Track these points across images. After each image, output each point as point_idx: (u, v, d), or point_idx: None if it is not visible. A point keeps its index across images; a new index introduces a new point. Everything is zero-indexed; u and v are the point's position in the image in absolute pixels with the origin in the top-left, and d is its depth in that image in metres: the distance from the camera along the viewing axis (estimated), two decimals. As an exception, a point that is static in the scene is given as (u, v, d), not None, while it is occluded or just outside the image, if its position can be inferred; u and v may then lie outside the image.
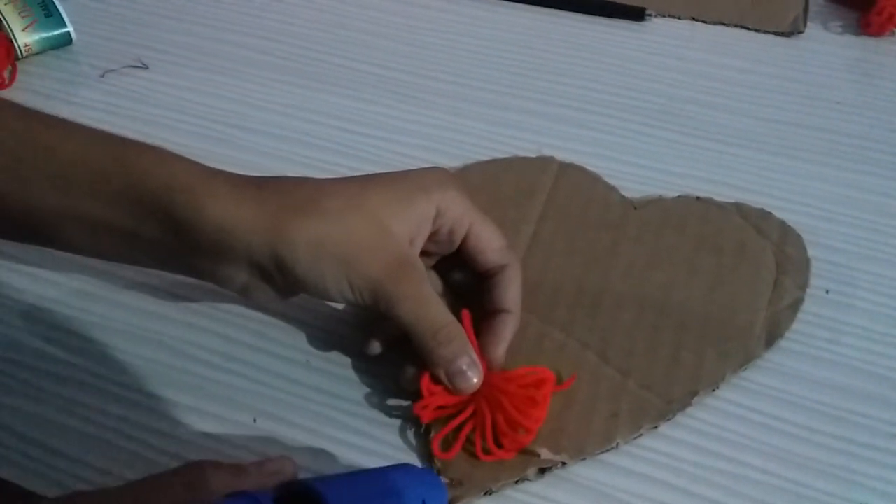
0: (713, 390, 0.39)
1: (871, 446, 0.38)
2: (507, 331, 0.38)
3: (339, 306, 0.42)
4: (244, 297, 0.37)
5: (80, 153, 0.36)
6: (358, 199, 0.36)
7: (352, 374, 0.40)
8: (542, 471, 0.36)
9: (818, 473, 0.36)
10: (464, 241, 0.38)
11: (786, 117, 0.54)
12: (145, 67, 0.58)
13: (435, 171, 0.39)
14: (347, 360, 0.41)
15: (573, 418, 0.38)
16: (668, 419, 0.38)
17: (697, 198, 0.48)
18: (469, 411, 0.36)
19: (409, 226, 0.36)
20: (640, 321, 0.42)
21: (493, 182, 0.49)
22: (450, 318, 0.36)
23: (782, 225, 0.46)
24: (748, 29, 0.61)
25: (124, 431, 0.38)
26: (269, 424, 0.38)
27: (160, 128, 0.53)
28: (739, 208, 0.47)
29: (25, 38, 0.57)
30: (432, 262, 0.40)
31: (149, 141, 0.51)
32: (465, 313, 0.37)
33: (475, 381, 0.36)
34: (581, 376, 0.39)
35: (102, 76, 0.57)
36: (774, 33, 0.61)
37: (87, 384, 0.40)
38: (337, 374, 0.40)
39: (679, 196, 0.48)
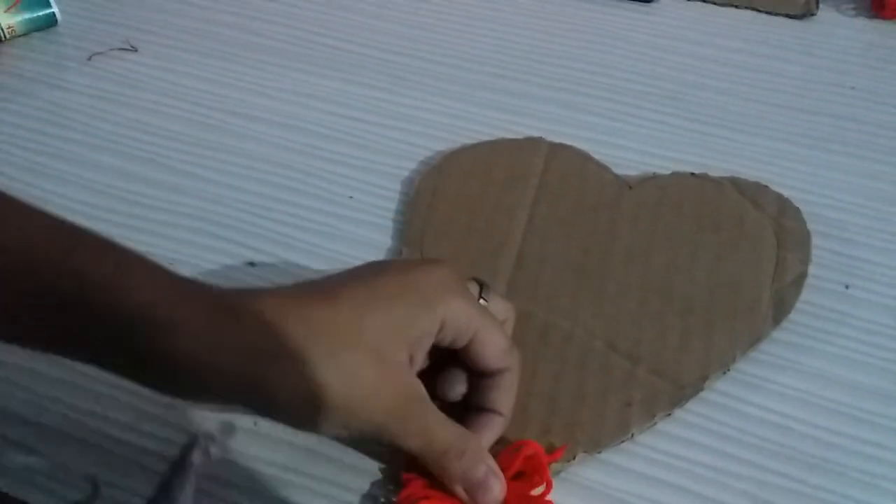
0: (724, 373, 0.38)
1: (873, 443, 0.36)
2: (494, 433, 0.34)
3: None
4: None
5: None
6: (353, 334, 0.30)
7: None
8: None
9: (818, 470, 0.35)
10: (466, 346, 0.34)
11: (799, 103, 0.52)
12: (134, 50, 0.56)
13: (438, 271, 0.34)
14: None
15: (586, 410, 0.37)
16: (682, 405, 0.37)
17: (692, 174, 0.47)
18: None
19: (411, 347, 0.32)
20: (645, 306, 0.41)
21: (484, 166, 0.48)
22: (458, 430, 0.33)
23: (779, 198, 0.45)
24: (759, 11, 0.59)
25: (115, 436, 0.36)
26: (271, 428, 0.36)
27: (150, 113, 0.51)
28: (735, 183, 0.46)
29: (9, 20, 0.55)
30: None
31: (140, 127, 0.51)
32: None
33: (497, 490, 0.32)
34: (590, 366, 0.38)
35: (89, 59, 0.55)
36: (786, 15, 0.59)
37: (70, 382, 0.38)
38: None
39: (673, 173, 0.47)
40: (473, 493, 0.32)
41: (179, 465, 0.30)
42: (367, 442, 0.34)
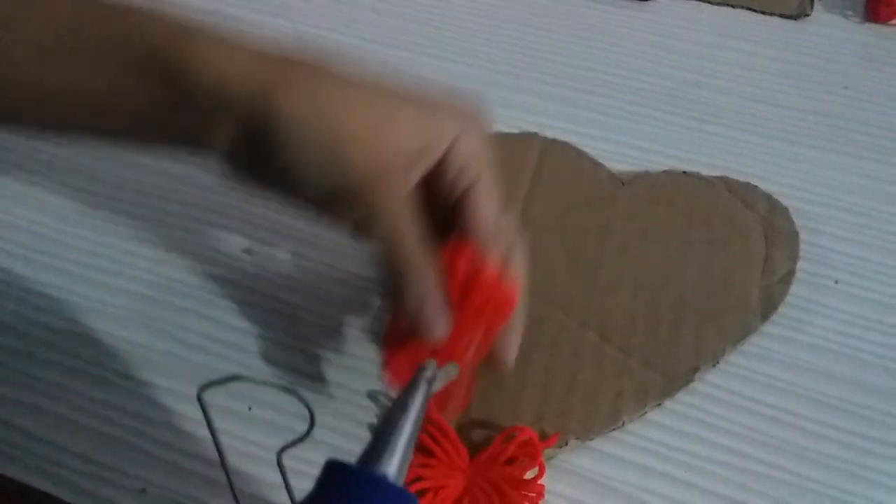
0: (714, 365, 0.39)
1: (861, 434, 0.37)
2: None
3: (332, 290, 0.41)
4: (224, 167, 0.31)
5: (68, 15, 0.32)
6: (373, 83, 0.31)
7: (348, 362, 0.39)
8: None
9: (806, 460, 0.36)
10: (460, 197, 0.32)
11: (792, 102, 0.53)
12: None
13: (468, 104, 0.33)
14: (343, 349, 0.39)
15: (579, 399, 0.37)
16: (672, 396, 0.38)
17: (684, 172, 0.47)
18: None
19: (417, 142, 0.30)
20: (637, 299, 0.41)
21: None
22: (423, 250, 0.31)
23: (768, 198, 0.46)
24: (754, 11, 0.60)
25: (115, 419, 0.37)
26: (266, 413, 0.37)
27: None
28: (726, 182, 0.47)
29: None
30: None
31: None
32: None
33: (440, 330, 0.31)
34: (583, 356, 0.39)
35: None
36: (781, 16, 0.59)
37: (78, 370, 0.38)
38: (333, 361, 0.39)
39: (665, 171, 0.48)
40: (419, 323, 0.31)
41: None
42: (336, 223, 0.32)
